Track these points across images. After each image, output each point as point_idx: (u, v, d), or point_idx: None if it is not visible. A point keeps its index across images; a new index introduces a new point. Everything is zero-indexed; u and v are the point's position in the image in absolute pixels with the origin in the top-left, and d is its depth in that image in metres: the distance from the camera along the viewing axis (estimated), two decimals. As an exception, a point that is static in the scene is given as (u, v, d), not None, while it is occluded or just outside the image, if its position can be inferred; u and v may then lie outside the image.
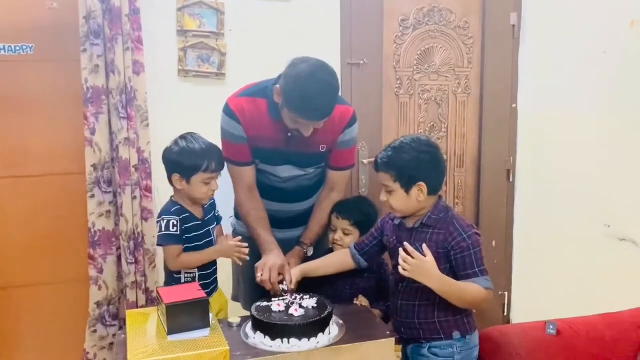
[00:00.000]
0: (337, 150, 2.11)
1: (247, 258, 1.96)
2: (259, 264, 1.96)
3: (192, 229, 1.91)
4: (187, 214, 1.90)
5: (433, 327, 1.79)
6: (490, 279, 1.77)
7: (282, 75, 1.91)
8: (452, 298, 1.74)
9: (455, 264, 1.75)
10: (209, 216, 1.98)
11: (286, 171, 2.07)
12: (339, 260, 2.02)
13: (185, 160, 1.86)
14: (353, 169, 2.27)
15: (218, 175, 1.92)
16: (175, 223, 1.85)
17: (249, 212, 2.05)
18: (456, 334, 1.79)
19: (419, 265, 1.68)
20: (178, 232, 1.86)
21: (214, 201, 2.03)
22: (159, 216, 1.90)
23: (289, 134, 1.99)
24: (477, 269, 1.74)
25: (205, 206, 1.98)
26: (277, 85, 1.92)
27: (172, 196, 1.95)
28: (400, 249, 1.71)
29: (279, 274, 1.93)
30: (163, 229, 1.86)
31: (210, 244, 1.97)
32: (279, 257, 1.99)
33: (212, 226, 2.00)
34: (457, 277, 1.74)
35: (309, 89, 1.83)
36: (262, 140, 2.02)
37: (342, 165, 2.15)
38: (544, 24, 2.96)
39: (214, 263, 2.00)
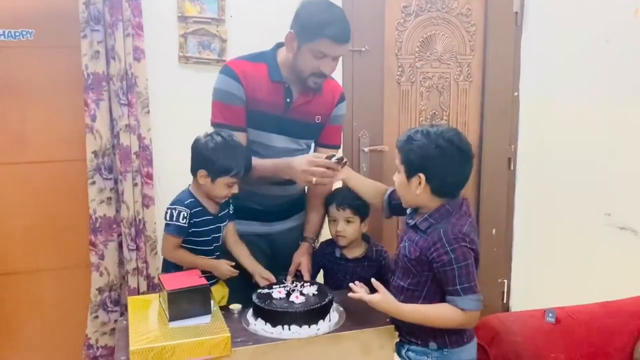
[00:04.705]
0: (329, 126, 2.12)
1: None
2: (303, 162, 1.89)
3: (202, 223, 1.88)
4: (200, 208, 1.88)
5: (411, 330, 1.71)
6: (480, 297, 1.62)
7: (294, 17, 1.92)
8: (425, 323, 1.65)
9: (438, 277, 1.64)
10: (222, 213, 1.95)
11: (280, 141, 2.05)
12: (377, 190, 1.97)
13: (217, 159, 1.82)
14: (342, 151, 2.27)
15: (240, 181, 1.89)
16: (186, 215, 1.83)
17: (254, 166, 1.97)
18: (432, 345, 1.70)
19: (380, 300, 1.64)
20: (186, 225, 1.85)
21: (229, 199, 1.99)
22: (172, 204, 1.87)
23: (288, 100, 2.00)
24: (458, 287, 1.59)
25: (221, 202, 1.95)
26: (291, 30, 1.92)
27: (189, 185, 1.92)
28: (372, 281, 1.67)
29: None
30: (174, 219, 1.84)
31: (217, 240, 1.94)
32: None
33: (224, 223, 1.96)
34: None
35: (331, 10, 1.90)
36: (260, 103, 1.99)
37: (332, 142, 2.16)
38: (546, 12, 2.94)
39: (220, 255, 1.97)
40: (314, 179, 1.87)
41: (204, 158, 1.84)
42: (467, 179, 1.72)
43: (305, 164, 1.88)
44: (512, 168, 3.15)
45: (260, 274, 1.94)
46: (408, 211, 1.80)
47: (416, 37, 2.92)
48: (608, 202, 2.63)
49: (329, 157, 1.89)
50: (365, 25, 2.79)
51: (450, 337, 1.69)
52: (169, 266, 1.95)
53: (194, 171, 1.87)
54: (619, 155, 2.58)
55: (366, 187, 2.00)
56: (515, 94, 3.08)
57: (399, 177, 1.72)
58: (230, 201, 1.99)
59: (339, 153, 1.93)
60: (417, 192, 1.67)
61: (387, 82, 2.91)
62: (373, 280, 1.68)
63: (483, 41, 3.02)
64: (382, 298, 1.64)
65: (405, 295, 1.71)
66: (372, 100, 2.88)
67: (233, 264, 1.95)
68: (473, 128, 3.09)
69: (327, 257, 2.13)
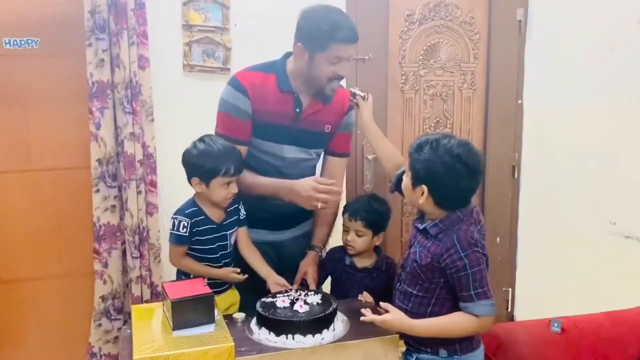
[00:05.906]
0: (339, 134, 2.12)
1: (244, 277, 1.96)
2: (306, 186, 1.91)
3: (206, 232, 1.90)
4: (202, 217, 1.89)
5: (419, 338, 1.71)
6: (494, 301, 1.64)
7: (298, 29, 1.93)
8: (440, 335, 1.67)
9: (452, 283, 1.65)
10: (229, 220, 1.95)
11: (291, 152, 2.05)
12: (393, 160, 1.97)
13: (203, 164, 1.84)
14: (348, 159, 2.26)
15: (237, 178, 1.90)
16: (186, 225, 1.85)
17: (251, 184, 1.99)
18: (442, 352, 1.70)
19: (392, 319, 1.64)
20: (187, 234, 1.87)
21: (239, 205, 2.00)
22: (174, 213, 1.90)
23: (297, 110, 2.00)
24: (472, 292, 1.61)
25: (229, 209, 1.96)
26: (298, 44, 1.92)
27: (194, 194, 1.93)
28: (381, 303, 1.68)
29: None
30: (174, 229, 1.87)
31: (223, 248, 1.95)
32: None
33: (231, 231, 1.96)
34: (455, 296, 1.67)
35: (334, 14, 1.93)
36: (269, 114, 1.99)
37: (341, 150, 2.16)
38: (550, 20, 2.94)
39: (228, 262, 1.97)
40: (319, 204, 1.89)
41: (192, 166, 1.87)
42: (473, 193, 1.71)
43: (308, 190, 1.89)
44: (516, 176, 3.14)
45: (275, 280, 1.94)
46: (416, 214, 1.81)
47: (420, 45, 2.92)
48: (613, 211, 2.62)
49: (353, 95, 2.00)
50: (369, 34, 2.79)
51: (460, 343, 1.70)
52: (180, 273, 1.99)
53: (189, 181, 1.89)
54: (624, 163, 2.57)
55: (384, 150, 1.99)
56: (519, 101, 3.08)
57: (406, 180, 1.74)
58: (241, 207, 2.00)
59: (356, 89, 2.03)
60: (419, 200, 1.68)
61: (391, 90, 2.91)
62: (382, 303, 1.68)
63: (487, 49, 3.02)
64: (394, 317, 1.64)
65: (414, 302, 1.71)
66: (376, 108, 2.81)
67: (239, 270, 1.95)
68: (477, 136, 3.08)
69: (335, 264, 2.13)
